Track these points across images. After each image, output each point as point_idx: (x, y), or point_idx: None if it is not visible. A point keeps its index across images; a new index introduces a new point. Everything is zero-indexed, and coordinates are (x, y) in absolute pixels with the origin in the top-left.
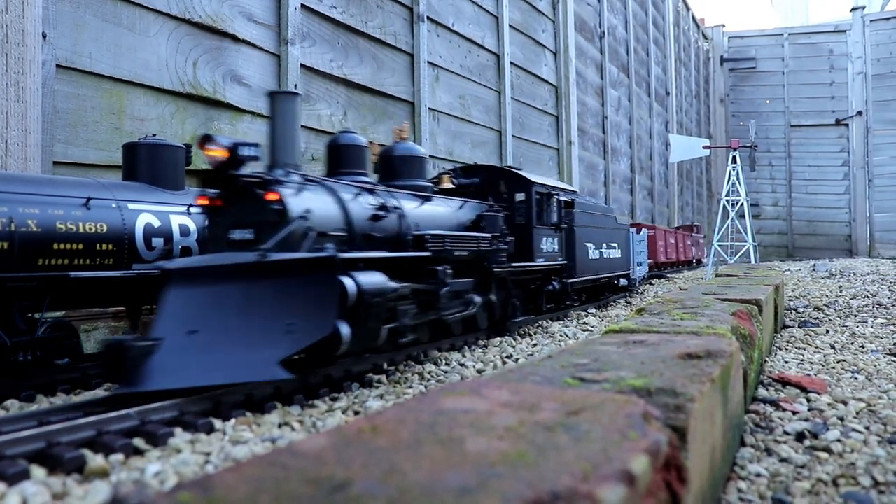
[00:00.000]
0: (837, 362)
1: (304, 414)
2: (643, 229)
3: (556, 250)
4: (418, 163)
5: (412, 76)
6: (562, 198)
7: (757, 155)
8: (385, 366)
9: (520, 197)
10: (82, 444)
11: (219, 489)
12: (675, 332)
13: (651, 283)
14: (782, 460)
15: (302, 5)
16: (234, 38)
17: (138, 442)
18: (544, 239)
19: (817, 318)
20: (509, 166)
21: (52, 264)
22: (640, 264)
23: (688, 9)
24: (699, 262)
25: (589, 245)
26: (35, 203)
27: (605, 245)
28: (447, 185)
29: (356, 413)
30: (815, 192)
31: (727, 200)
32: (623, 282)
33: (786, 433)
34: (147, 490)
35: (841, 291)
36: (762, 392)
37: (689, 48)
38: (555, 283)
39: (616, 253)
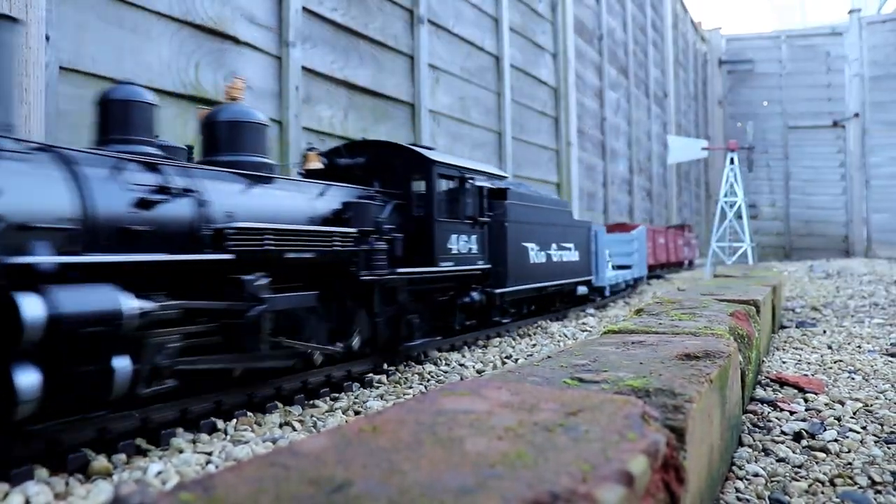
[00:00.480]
0: (834, 362)
1: (305, 414)
2: (639, 227)
3: (476, 251)
4: (253, 132)
5: (412, 78)
6: (482, 184)
7: (754, 156)
8: (385, 366)
9: (421, 183)
10: (85, 443)
11: (220, 489)
12: (673, 332)
13: (649, 284)
14: (780, 460)
15: (303, 8)
16: (236, 41)
17: (140, 441)
18: (454, 237)
19: (814, 318)
20: (416, 144)
21: None
22: (627, 267)
23: (686, 11)
24: (691, 264)
25: (529, 245)
26: None
27: (554, 246)
28: (314, 164)
29: (357, 413)
30: (813, 194)
31: (725, 202)
32: (582, 290)
33: (783, 433)
34: (149, 490)
35: (838, 292)
36: (760, 392)
37: (688, 50)
38: (474, 293)
39: (571, 255)
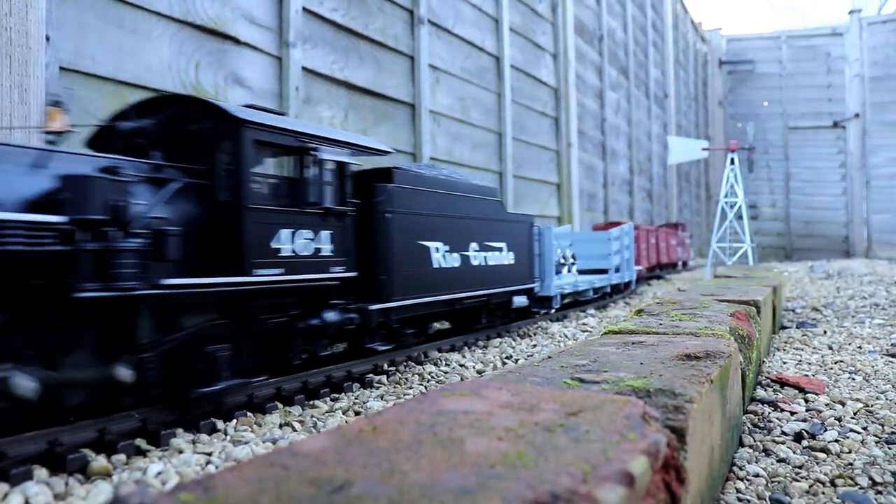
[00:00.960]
0: (835, 363)
1: (305, 414)
2: (622, 224)
3: (330, 253)
4: None
5: (413, 79)
6: (342, 159)
7: (755, 157)
8: (385, 366)
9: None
10: (85, 444)
11: (220, 489)
12: (673, 332)
13: (649, 284)
14: (780, 461)
15: (303, 8)
16: (236, 41)
17: (140, 442)
18: (286, 233)
19: (815, 318)
20: (254, 106)
21: None
22: (603, 271)
23: (686, 12)
24: (685, 265)
25: (432, 245)
26: None
27: (474, 245)
28: (57, 124)
29: (357, 413)
30: (813, 194)
31: (725, 202)
32: (520, 301)
33: (784, 433)
34: (148, 490)
35: (838, 292)
36: (760, 392)
37: (688, 51)
38: (329, 313)
39: (502, 258)
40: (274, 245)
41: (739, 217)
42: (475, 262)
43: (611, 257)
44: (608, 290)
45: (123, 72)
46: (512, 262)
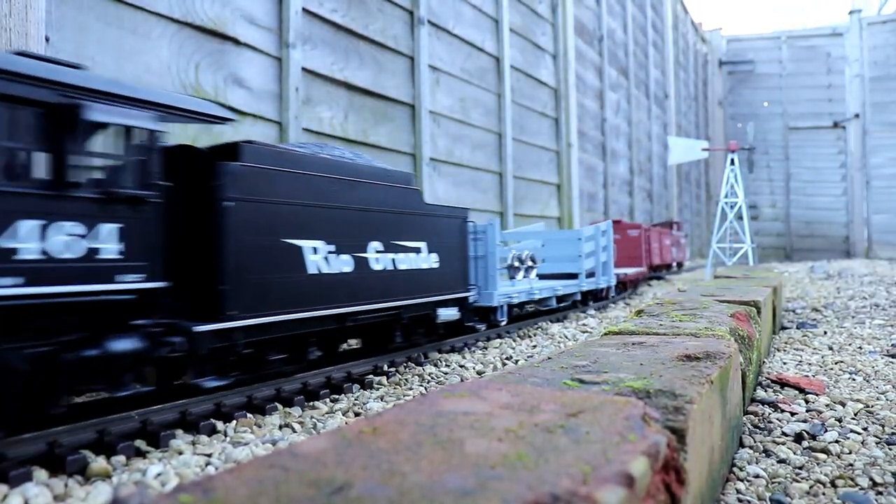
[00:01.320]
0: (835, 363)
1: (305, 415)
2: (599, 222)
3: (121, 255)
4: None
5: (413, 79)
6: (139, 124)
7: (755, 157)
8: (385, 367)
9: None
10: (84, 445)
11: (219, 491)
12: (673, 333)
13: (649, 285)
14: (781, 461)
15: (303, 9)
16: (236, 42)
17: (140, 443)
18: (27, 225)
19: (815, 319)
20: (21, 53)
21: None
22: (573, 276)
23: (686, 12)
24: (680, 266)
25: (308, 245)
26: None
27: (376, 245)
28: None
29: (357, 414)
30: (813, 194)
31: (725, 202)
32: (449, 313)
33: (784, 434)
34: (148, 491)
35: (839, 293)
36: (761, 393)
37: (688, 51)
38: (120, 339)
39: (421, 260)
40: (5, 244)
41: (739, 217)
42: (377, 267)
43: (581, 260)
44: (578, 297)
45: (123, 72)
46: (435, 265)
